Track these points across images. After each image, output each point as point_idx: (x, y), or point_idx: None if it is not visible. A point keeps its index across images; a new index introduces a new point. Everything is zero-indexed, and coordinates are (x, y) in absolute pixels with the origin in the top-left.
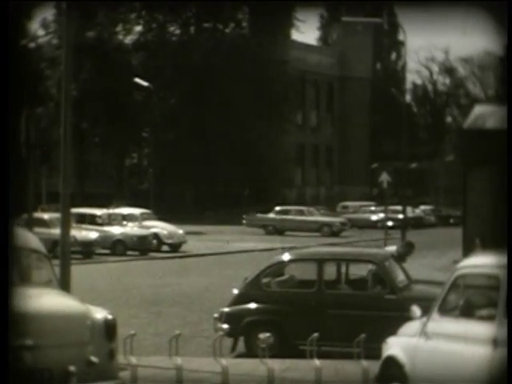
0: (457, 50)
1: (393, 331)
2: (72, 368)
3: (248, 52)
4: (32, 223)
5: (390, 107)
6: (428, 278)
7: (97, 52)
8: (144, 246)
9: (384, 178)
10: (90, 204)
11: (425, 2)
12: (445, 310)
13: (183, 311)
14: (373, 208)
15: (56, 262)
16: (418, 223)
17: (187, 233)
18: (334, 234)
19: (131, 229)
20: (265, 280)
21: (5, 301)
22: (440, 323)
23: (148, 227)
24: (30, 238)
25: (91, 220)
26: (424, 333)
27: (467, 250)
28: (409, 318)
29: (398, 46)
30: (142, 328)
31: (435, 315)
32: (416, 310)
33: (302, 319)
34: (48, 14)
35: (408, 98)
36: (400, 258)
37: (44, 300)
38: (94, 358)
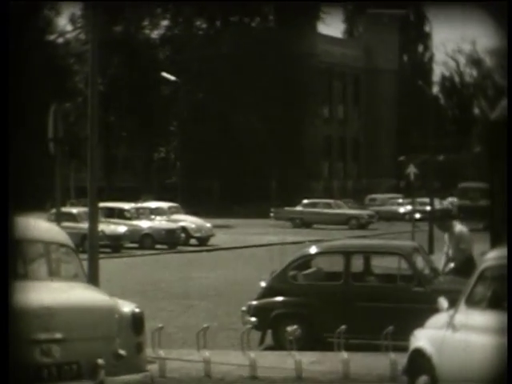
0: (484, 41)
1: (420, 323)
2: (100, 361)
3: (274, 45)
4: (61, 217)
5: (416, 99)
6: None
7: (124, 47)
8: (172, 240)
9: (411, 170)
10: (118, 198)
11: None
12: (472, 302)
13: (211, 304)
14: (400, 200)
15: (84, 256)
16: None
17: (215, 226)
18: (362, 227)
19: (159, 223)
20: (292, 273)
21: (31, 294)
22: (467, 315)
23: (176, 221)
24: (58, 233)
25: (119, 214)
26: (451, 325)
27: (495, 242)
28: (436, 310)
29: (425, 37)
30: (170, 321)
31: (463, 307)
32: (443, 302)
33: (330, 312)
34: (75, 9)
35: (435, 90)
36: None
37: (72, 294)
38: (122, 351)
